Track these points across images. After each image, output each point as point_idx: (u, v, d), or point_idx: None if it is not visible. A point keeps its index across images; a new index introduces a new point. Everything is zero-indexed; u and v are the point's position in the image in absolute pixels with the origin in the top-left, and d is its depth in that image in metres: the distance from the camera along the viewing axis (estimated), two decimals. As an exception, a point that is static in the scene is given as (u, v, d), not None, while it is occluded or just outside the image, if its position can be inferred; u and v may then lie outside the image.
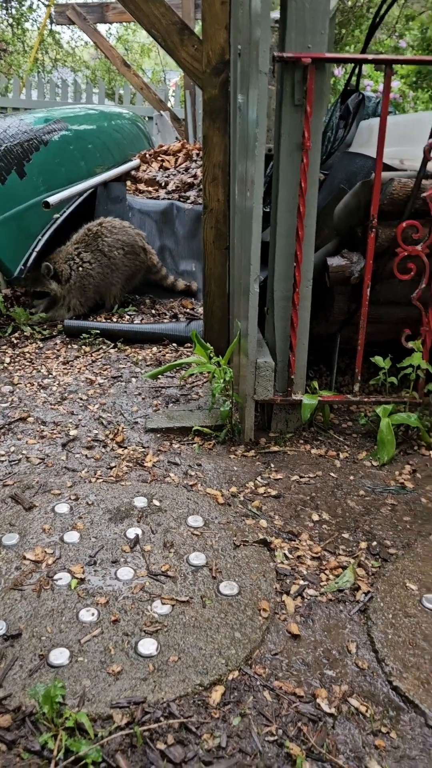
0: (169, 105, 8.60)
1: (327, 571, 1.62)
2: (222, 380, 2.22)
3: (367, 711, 1.23)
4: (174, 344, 3.23)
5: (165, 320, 3.51)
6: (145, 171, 4.85)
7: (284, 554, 1.67)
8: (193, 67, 2.64)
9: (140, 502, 1.88)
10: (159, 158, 5.03)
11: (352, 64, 3.39)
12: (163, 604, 1.47)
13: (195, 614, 1.45)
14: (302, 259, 2.11)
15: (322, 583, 1.58)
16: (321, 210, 2.58)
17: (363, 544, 1.73)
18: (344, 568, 1.63)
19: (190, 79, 3.17)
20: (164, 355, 3.09)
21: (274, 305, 2.21)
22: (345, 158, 2.67)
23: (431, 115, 2.07)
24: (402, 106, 6.15)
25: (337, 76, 5.74)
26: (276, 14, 2.51)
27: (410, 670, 1.31)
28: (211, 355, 2.34)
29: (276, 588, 1.55)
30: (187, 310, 3.68)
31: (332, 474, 2.08)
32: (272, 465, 2.12)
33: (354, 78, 3.48)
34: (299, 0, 1.85)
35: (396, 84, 7.49)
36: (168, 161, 4.91)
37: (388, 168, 2.43)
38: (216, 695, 1.25)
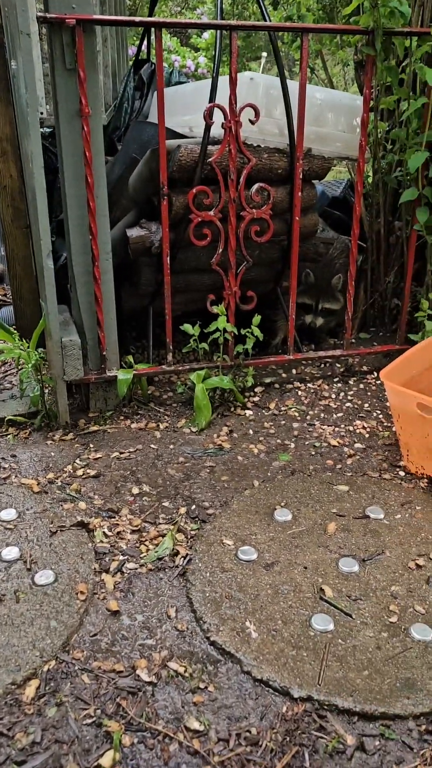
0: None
1: (147, 542, 1.61)
2: (29, 364, 2.12)
3: (186, 671, 1.24)
4: (-15, 334, 3.03)
5: (-26, 309, 3.28)
6: None
7: (103, 533, 1.64)
8: (-37, 32, 2.43)
9: None
10: None
11: (143, 36, 3.34)
12: (-29, 607, 1.37)
13: (7, 612, 1.37)
14: (97, 231, 2.04)
15: (142, 555, 1.56)
16: (118, 180, 2.53)
17: (183, 510, 1.74)
18: (164, 536, 1.63)
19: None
20: (-26, 346, 2.88)
21: (75, 281, 2.13)
22: (137, 128, 2.63)
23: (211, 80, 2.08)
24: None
25: (132, 54, 5.66)
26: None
27: (226, 623, 1.34)
28: (16, 339, 2.21)
29: (95, 568, 1.51)
30: (-1, 296, 3.48)
31: (152, 446, 2.07)
32: (92, 445, 2.07)
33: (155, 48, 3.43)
34: (55, -43, 1.76)
35: (202, 60, 7.60)
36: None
37: (178, 135, 2.43)
38: (30, 690, 1.19)
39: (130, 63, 4.01)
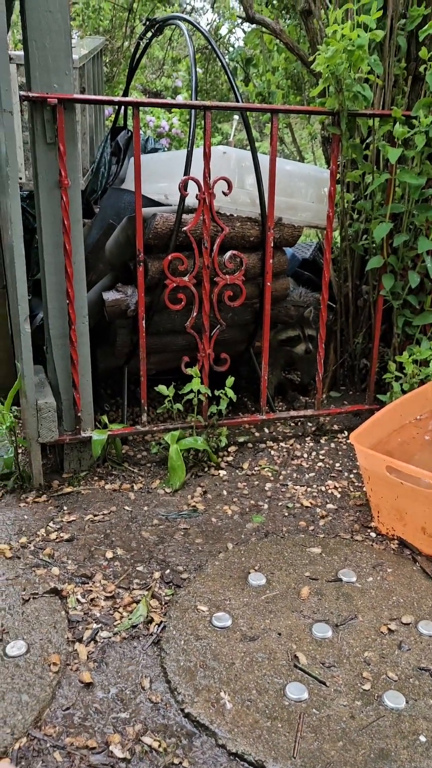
0: None
1: (121, 609, 1.60)
2: (4, 426, 2.12)
3: (160, 746, 1.23)
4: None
5: None
6: None
7: (77, 599, 1.63)
8: None
9: None
10: None
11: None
12: None
13: (-23, 685, 1.34)
14: (74, 296, 2.09)
15: (116, 623, 1.55)
16: (95, 245, 2.60)
17: (157, 574, 1.74)
18: (138, 602, 1.62)
19: None
20: None
21: (52, 344, 2.16)
22: (114, 194, 2.72)
23: (186, 153, 2.19)
24: (184, 142, 6.48)
25: (108, 114, 5.86)
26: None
27: (201, 693, 1.33)
28: (-8, 400, 2.22)
29: (68, 637, 1.49)
30: (-27, 353, 3.48)
31: (126, 507, 2.07)
32: (65, 507, 2.06)
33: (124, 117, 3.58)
34: (38, 40, 1.86)
35: (176, 121, 7.91)
36: None
37: (154, 203, 2.52)
38: (0, 771, 1.16)
39: (108, 123, 4.16)
